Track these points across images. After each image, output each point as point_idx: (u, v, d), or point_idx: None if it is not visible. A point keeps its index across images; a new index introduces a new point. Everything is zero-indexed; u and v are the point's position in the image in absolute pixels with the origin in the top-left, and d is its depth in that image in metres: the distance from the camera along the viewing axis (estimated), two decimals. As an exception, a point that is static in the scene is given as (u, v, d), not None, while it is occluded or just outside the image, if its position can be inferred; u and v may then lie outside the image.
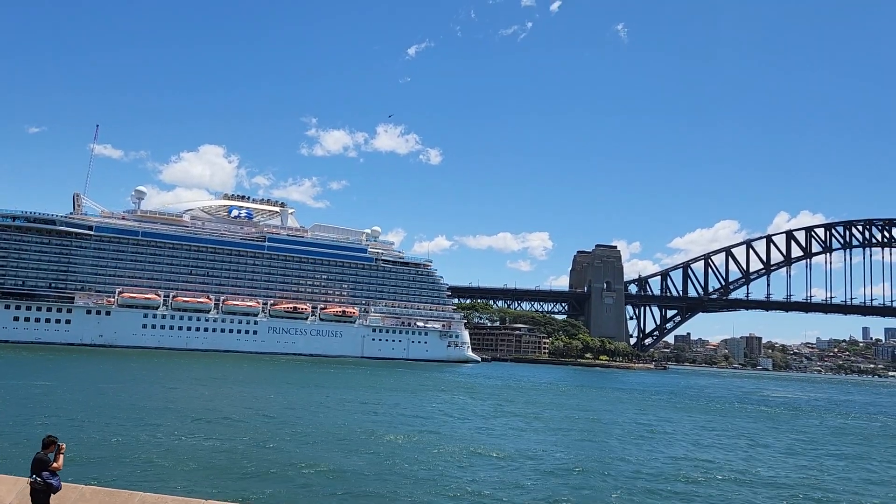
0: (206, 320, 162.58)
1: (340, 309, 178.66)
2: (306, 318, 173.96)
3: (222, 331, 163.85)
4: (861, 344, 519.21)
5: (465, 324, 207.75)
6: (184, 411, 42.35)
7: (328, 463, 27.53)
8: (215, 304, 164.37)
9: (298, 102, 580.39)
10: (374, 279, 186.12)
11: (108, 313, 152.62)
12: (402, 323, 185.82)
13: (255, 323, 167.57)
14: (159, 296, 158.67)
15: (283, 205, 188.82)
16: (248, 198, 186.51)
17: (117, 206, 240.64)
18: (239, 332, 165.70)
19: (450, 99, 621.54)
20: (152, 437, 31.08)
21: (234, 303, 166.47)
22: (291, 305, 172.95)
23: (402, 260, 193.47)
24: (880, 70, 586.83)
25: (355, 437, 35.66)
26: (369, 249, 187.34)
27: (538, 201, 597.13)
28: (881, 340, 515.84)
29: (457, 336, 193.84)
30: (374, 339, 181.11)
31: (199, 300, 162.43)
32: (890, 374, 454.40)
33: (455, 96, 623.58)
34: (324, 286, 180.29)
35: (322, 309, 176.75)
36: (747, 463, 34.86)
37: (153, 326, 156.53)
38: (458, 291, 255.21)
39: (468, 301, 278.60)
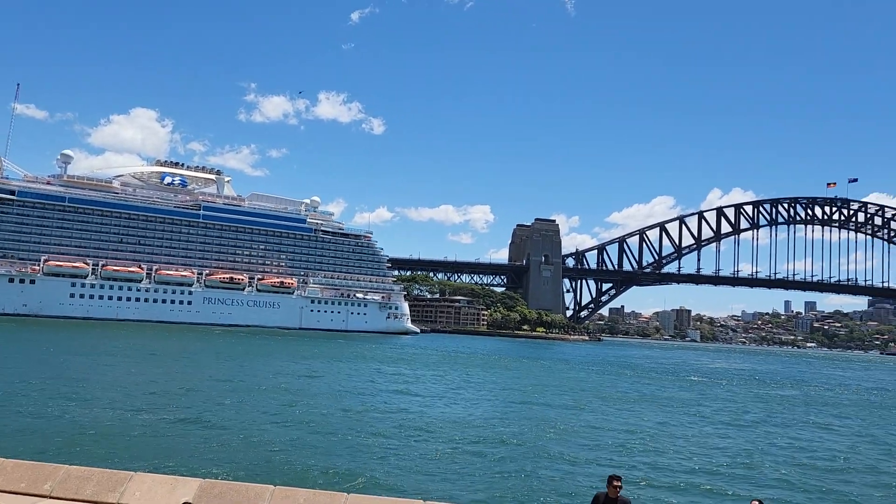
0: (138, 290, 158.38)
1: (278, 280, 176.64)
2: (243, 289, 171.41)
3: (155, 301, 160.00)
4: (783, 316, 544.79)
5: (405, 296, 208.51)
6: (108, 384, 41.51)
7: (254, 434, 27.56)
8: (147, 273, 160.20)
9: (236, 66, 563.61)
10: (313, 250, 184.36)
11: (32, 282, 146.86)
12: (342, 294, 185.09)
13: (190, 293, 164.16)
14: (88, 264, 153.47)
15: (219, 172, 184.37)
16: (183, 164, 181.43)
17: (42, 170, 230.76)
18: (173, 302, 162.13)
19: (394, 68, 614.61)
20: (72, 411, 30.44)
21: (168, 272, 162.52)
22: (228, 276, 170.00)
23: (342, 231, 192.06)
24: (811, 55, 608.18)
25: (284, 409, 35.69)
26: (308, 220, 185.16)
27: (481, 174, 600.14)
28: (801, 313, 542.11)
29: (396, 308, 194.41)
30: (312, 311, 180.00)
31: (130, 269, 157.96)
32: (808, 345, 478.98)
33: (399, 65, 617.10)
34: (261, 256, 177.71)
35: (259, 280, 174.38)
36: (663, 428, 36.50)
37: (81, 296, 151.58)
38: (398, 263, 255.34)
39: (408, 273, 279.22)
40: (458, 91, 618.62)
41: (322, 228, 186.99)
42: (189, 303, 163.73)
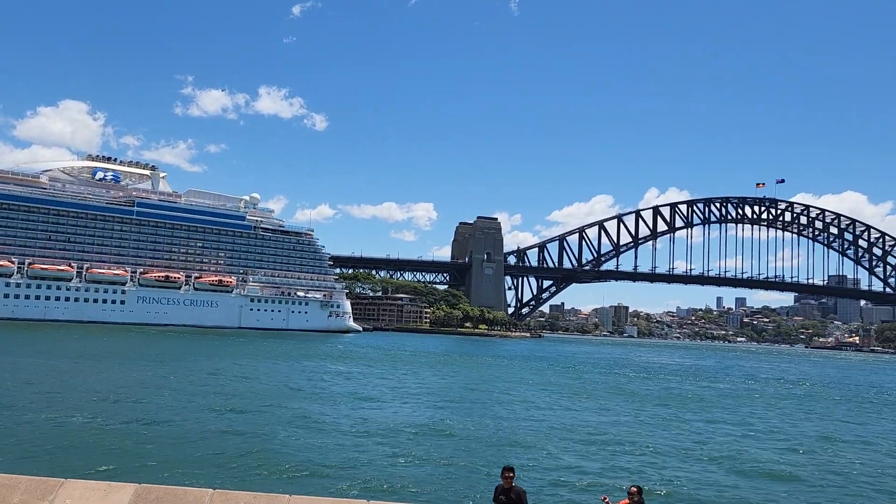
0: (68, 289, 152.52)
1: (217, 278, 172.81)
2: (180, 288, 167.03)
3: (86, 300, 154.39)
4: (715, 312, 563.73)
5: (347, 294, 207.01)
6: (34, 387, 39.84)
7: (192, 438, 26.92)
8: (78, 272, 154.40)
9: (173, 58, 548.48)
10: (252, 248, 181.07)
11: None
12: (282, 293, 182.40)
13: (123, 293, 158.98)
14: (13, 263, 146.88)
15: (154, 168, 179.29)
16: (116, 159, 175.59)
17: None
18: (105, 301, 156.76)
19: (337, 63, 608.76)
20: None
21: (100, 271, 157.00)
22: (163, 274, 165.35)
23: (282, 228, 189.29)
24: (748, 52, 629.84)
25: (223, 411, 34.96)
26: (248, 217, 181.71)
27: (424, 171, 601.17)
28: (732, 309, 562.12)
29: (338, 306, 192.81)
30: (252, 310, 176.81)
31: (59, 268, 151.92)
32: (739, 339, 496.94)
33: (342, 60, 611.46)
34: (199, 254, 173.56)
35: (197, 278, 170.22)
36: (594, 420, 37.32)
37: (6, 295, 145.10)
38: (340, 261, 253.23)
39: (351, 271, 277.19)
40: (401, 87, 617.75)
41: (262, 226, 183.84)
42: (122, 302, 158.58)
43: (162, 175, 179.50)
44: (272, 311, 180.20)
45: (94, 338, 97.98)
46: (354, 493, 19.03)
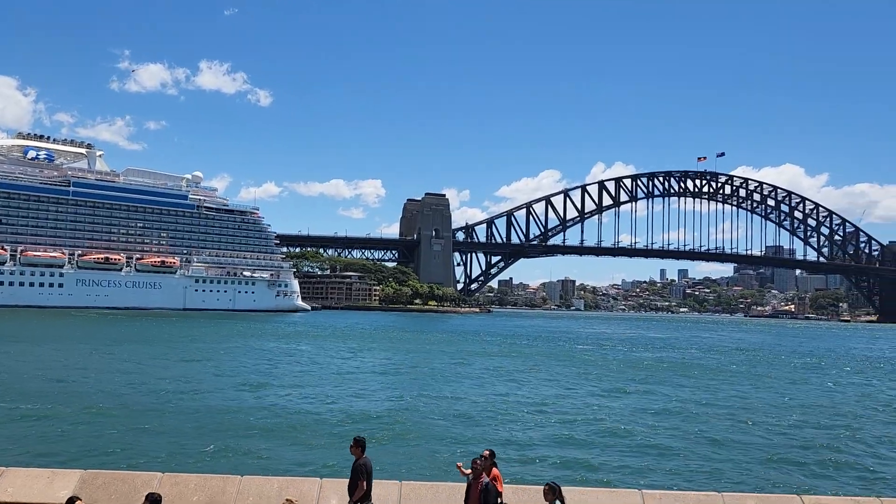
0: (1, 273, 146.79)
1: (159, 259, 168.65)
2: (121, 269, 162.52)
3: (21, 284, 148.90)
4: (659, 284, 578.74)
5: (294, 273, 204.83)
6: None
7: (137, 423, 26.49)
8: (11, 254, 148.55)
9: (107, 31, 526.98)
10: (196, 227, 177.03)
11: None
12: (228, 273, 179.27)
13: (61, 275, 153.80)
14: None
15: (89, 146, 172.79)
16: (49, 137, 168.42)
17: None
18: (41, 285, 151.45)
19: (280, 37, 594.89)
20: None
21: (35, 254, 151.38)
22: (103, 256, 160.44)
23: (226, 207, 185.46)
24: (687, 29, 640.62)
25: (168, 394, 34.45)
26: (190, 196, 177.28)
27: (372, 148, 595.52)
28: (675, 281, 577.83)
29: (286, 285, 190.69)
30: (197, 290, 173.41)
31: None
32: (681, 310, 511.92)
33: (286, 34, 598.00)
34: (140, 235, 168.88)
35: (139, 259, 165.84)
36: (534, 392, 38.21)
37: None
38: (287, 240, 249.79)
39: (298, 250, 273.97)
40: (347, 62, 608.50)
41: (205, 205, 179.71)
42: (60, 285, 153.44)
43: (98, 153, 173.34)
44: (218, 291, 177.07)
45: (31, 322, 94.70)
46: (305, 472, 19.08)
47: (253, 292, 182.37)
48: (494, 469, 10.31)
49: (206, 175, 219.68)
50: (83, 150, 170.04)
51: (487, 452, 10.53)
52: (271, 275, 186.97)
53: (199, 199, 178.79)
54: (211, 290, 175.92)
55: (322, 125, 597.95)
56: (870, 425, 32.27)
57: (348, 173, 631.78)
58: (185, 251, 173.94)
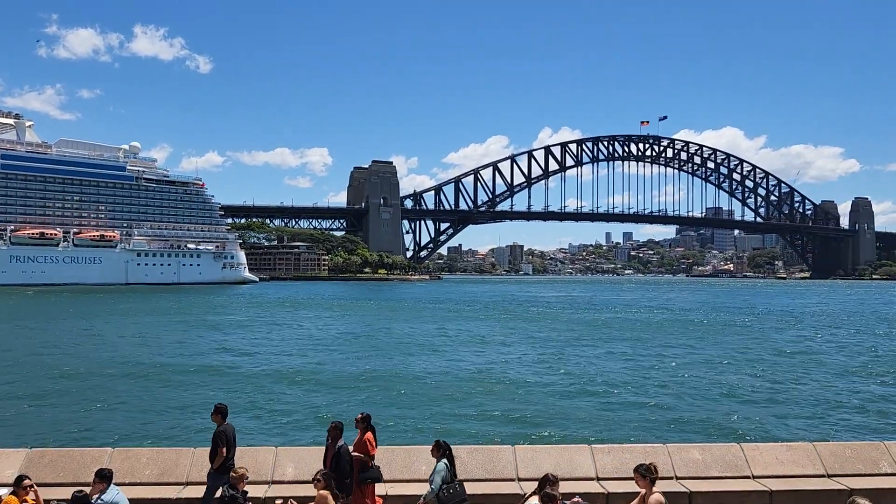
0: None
1: (98, 233, 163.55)
2: (58, 245, 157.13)
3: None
4: (604, 247, 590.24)
5: (240, 244, 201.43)
6: None
7: (81, 401, 25.93)
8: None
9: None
10: (135, 200, 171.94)
11: None
12: (171, 246, 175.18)
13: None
14: None
15: (18, 116, 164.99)
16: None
17: None
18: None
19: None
20: None
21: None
22: (37, 231, 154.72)
23: (167, 178, 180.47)
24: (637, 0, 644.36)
25: (109, 370, 33.75)
26: (129, 167, 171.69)
27: (318, 115, 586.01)
28: (620, 243, 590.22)
29: (232, 257, 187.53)
30: (139, 264, 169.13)
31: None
32: (626, 272, 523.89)
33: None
34: (77, 208, 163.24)
35: (76, 234, 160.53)
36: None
37: None
38: (232, 211, 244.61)
39: (244, 220, 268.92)
40: (290, 25, 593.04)
41: (145, 176, 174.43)
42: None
43: (28, 124, 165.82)
44: (162, 264, 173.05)
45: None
46: (265, 441, 19.02)
47: (198, 265, 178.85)
48: (368, 433, 10.55)
49: (145, 146, 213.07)
50: (11, 121, 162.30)
51: (360, 416, 10.78)
52: (217, 247, 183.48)
53: (138, 171, 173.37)
54: (154, 264, 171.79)
55: (265, 93, 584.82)
56: (811, 375, 33.80)
57: (294, 142, 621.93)
58: (125, 224, 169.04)
